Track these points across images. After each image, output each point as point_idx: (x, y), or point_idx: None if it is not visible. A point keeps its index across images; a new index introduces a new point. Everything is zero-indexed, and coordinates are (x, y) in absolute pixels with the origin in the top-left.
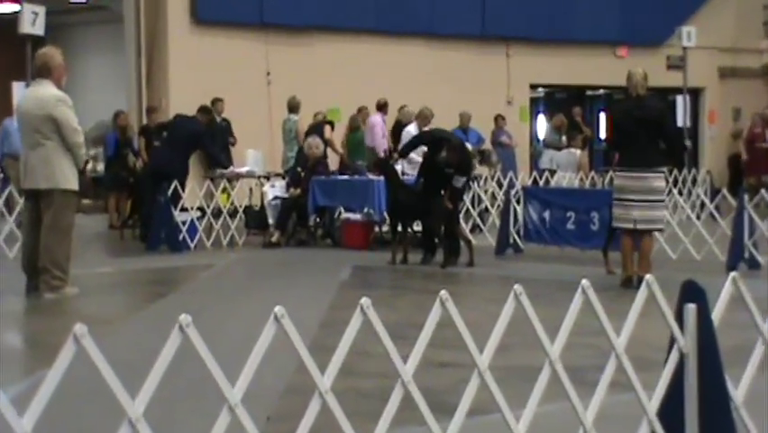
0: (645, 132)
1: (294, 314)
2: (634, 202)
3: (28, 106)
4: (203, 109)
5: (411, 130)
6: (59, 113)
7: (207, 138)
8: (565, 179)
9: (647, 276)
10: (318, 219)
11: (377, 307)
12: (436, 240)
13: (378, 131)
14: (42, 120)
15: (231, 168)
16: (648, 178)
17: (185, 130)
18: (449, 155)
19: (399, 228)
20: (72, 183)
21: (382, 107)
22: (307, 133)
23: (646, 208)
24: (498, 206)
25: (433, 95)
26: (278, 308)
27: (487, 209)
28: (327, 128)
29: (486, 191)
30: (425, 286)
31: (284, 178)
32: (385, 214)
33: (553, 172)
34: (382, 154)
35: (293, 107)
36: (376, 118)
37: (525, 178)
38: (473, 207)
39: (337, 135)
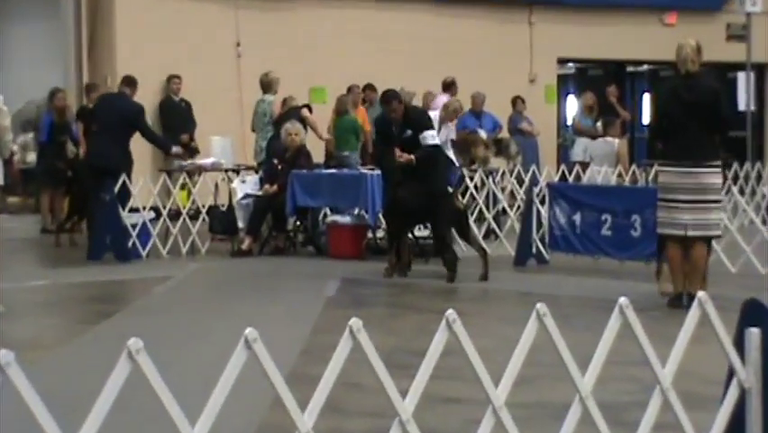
0: (697, 117)
1: (269, 338)
2: (683, 203)
3: None
4: (128, 81)
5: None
6: None
7: (143, 117)
8: (600, 173)
9: (700, 293)
10: (299, 222)
11: (370, 329)
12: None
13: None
14: None
15: (191, 160)
16: (701, 174)
17: (115, 111)
18: (386, 108)
19: (398, 233)
20: None
21: (449, 87)
22: (281, 119)
23: (699, 211)
24: (518, 207)
25: (438, 72)
26: (249, 331)
27: (504, 211)
28: (305, 111)
29: (503, 189)
30: (429, 304)
31: (257, 172)
32: (380, 216)
33: (585, 166)
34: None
35: (267, 86)
36: (443, 98)
37: (550, 172)
38: (488, 208)
39: (321, 119)
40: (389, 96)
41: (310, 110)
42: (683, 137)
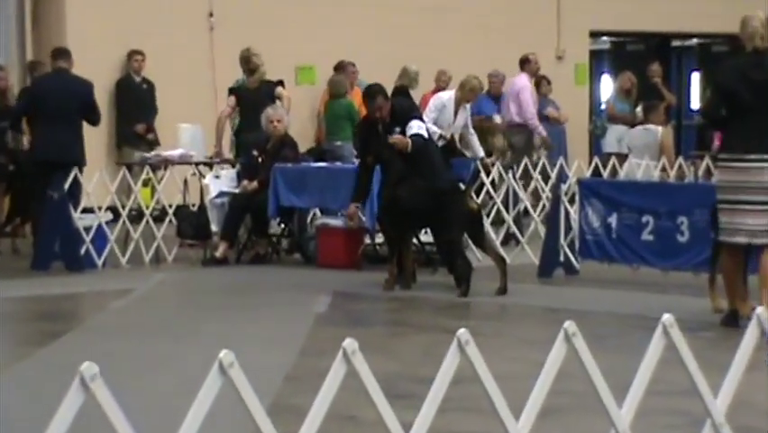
0: (766, 102)
1: (248, 362)
2: (748, 205)
3: None
4: (63, 54)
5: (444, 99)
6: None
7: (93, 99)
8: (640, 167)
9: (759, 309)
10: (283, 225)
11: (367, 351)
12: (455, 257)
13: (527, 98)
14: None
15: (155, 152)
16: None
17: (69, 92)
18: (371, 107)
19: (399, 238)
20: None
21: (525, 64)
22: (250, 99)
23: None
24: (543, 207)
25: (449, 49)
26: (224, 354)
27: (526, 212)
28: (279, 89)
29: (525, 186)
30: (437, 322)
31: (233, 165)
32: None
33: (622, 158)
34: (542, 132)
35: (247, 64)
36: (522, 80)
37: (581, 166)
38: (507, 208)
39: (306, 102)
40: (374, 90)
41: (282, 84)
42: (751, 125)
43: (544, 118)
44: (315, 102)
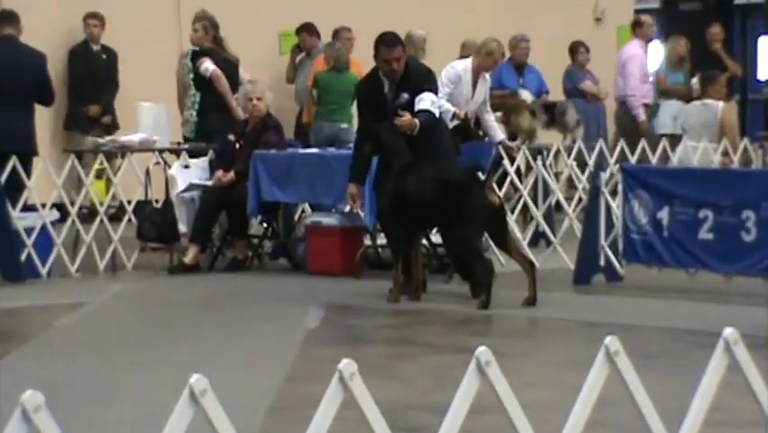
0: None
1: (224, 388)
2: None
3: None
4: (10, 18)
5: (458, 69)
6: None
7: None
8: (697, 151)
9: None
10: (266, 224)
11: (367, 375)
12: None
13: (633, 70)
14: None
15: (111, 137)
16: None
17: (20, 66)
18: (385, 58)
19: (406, 239)
20: None
21: (638, 27)
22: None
23: None
24: (579, 200)
25: (464, 11)
26: (196, 379)
27: (559, 206)
28: (241, 71)
29: (557, 175)
30: (452, 340)
31: (205, 154)
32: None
33: (675, 140)
34: (640, 116)
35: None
36: (632, 47)
37: (624, 151)
38: (535, 202)
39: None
40: (392, 38)
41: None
42: None
43: (579, 93)
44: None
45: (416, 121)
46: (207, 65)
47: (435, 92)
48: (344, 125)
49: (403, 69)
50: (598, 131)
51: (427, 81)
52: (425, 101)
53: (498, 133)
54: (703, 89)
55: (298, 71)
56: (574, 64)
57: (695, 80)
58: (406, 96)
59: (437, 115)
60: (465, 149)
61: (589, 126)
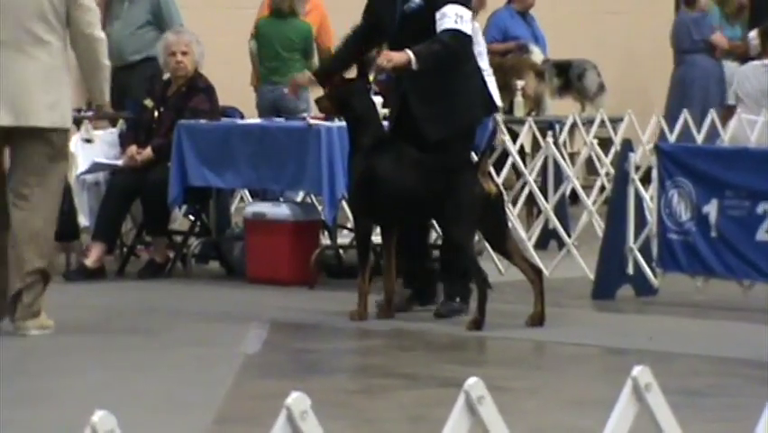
0: None
1: (138, 431)
2: None
3: None
4: None
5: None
6: None
7: None
8: (755, 126)
9: None
10: (193, 217)
11: (325, 414)
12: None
13: None
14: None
15: None
16: None
17: None
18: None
19: (376, 237)
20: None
21: None
22: None
23: None
24: (602, 189)
25: None
26: (100, 418)
27: (575, 197)
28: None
29: (573, 155)
30: (435, 369)
31: (114, 123)
32: (345, 205)
33: (728, 112)
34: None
35: None
36: None
37: (661, 125)
38: (544, 192)
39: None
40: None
41: None
42: None
43: (702, 48)
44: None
45: (407, 53)
46: None
47: (465, 2)
48: (284, 88)
49: None
50: (721, 100)
51: None
52: (448, 18)
53: (497, 97)
54: (764, 46)
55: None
56: (694, 8)
57: (753, 34)
58: (417, 0)
59: (466, 33)
60: None
61: (710, 92)
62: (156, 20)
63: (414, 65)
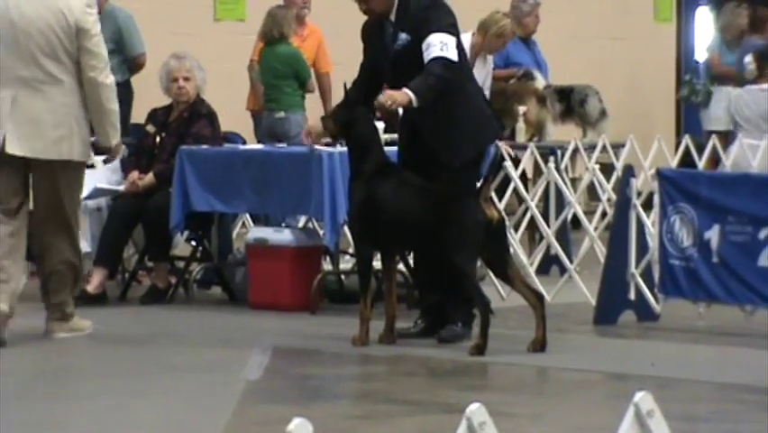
0: None
1: None
2: None
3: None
4: None
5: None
6: (90, 22)
7: None
8: (757, 151)
9: None
10: (194, 243)
11: None
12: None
13: None
14: (57, 35)
15: None
16: None
17: None
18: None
19: (377, 263)
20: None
21: None
22: None
23: None
24: (603, 214)
25: None
26: None
27: (576, 222)
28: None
29: (575, 181)
30: (437, 395)
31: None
32: (346, 230)
33: (728, 137)
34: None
35: None
36: None
37: (663, 150)
38: (546, 217)
39: (233, 45)
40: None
41: None
42: None
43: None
44: (246, 50)
45: (406, 93)
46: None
47: (448, 29)
48: (280, 114)
49: (385, 2)
50: None
51: (434, 15)
52: (433, 47)
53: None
54: (761, 70)
55: None
56: (754, 33)
57: (749, 58)
58: (404, 36)
59: (453, 60)
60: None
61: (760, 119)
62: (118, 47)
63: (414, 103)
